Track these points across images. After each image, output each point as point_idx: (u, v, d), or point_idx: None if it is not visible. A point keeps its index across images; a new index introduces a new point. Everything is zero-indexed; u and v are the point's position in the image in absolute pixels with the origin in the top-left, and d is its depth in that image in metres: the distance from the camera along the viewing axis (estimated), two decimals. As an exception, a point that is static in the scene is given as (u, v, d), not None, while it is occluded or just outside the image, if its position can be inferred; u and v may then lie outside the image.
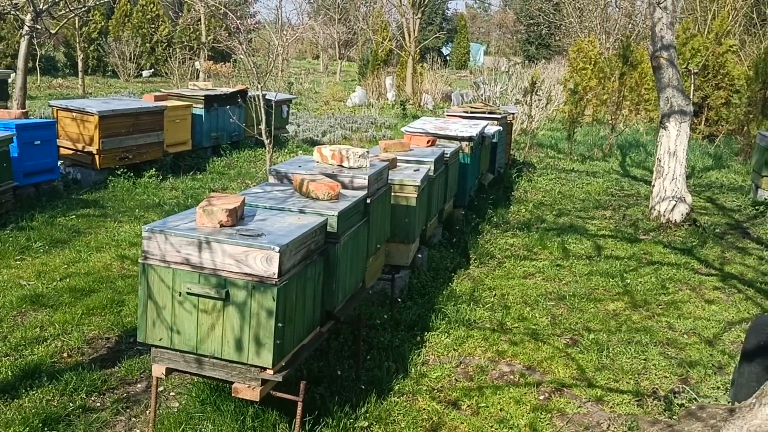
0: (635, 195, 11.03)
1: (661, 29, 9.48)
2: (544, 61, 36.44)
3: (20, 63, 10.12)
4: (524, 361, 4.99)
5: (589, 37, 23.06)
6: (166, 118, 10.26)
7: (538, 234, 8.26)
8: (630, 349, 5.28)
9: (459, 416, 4.15)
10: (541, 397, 4.49)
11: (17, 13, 10.31)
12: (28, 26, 9.77)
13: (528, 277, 6.88)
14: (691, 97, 15.08)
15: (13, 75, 14.67)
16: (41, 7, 9.86)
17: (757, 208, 10.49)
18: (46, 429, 3.72)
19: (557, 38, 38.87)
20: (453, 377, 4.67)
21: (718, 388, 4.75)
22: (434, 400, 4.32)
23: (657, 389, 4.71)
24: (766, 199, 10.58)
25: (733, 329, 5.81)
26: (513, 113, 12.88)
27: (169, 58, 23.99)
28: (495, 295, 6.28)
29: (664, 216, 9.19)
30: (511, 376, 4.76)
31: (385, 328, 5.23)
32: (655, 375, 4.92)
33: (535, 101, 15.65)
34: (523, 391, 4.52)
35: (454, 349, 5.08)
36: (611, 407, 4.42)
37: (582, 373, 4.86)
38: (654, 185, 9.53)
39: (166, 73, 23.94)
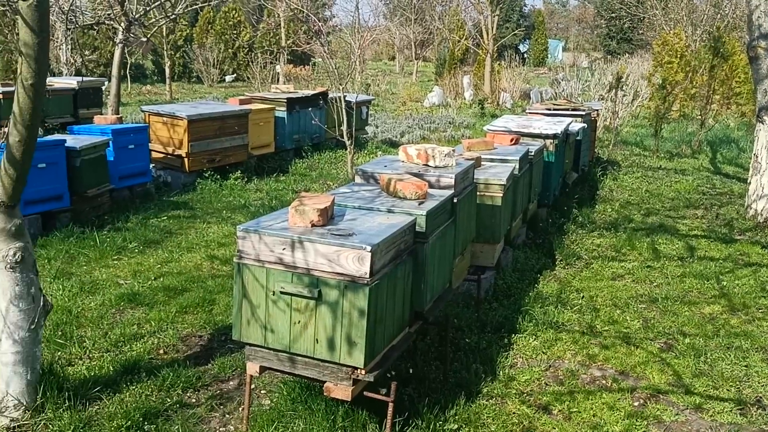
0: (728, 193, 10.56)
1: (758, 17, 9.03)
2: (626, 56, 35.40)
3: (114, 71, 10.54)
4: (616, 365, 4.84)
5: (674, 29, 22.27)
6: (251, 121, 10.49)
7: (626, 234, 8.01)
8: (729, 355, 5.04)
9: (550, 421, 4.06)
10: (636, 404, 4.34)
11: (111, 23, 10.74)
12: (122, 36, 10.16)
13: (617, 278, 6.68)
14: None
15: (107, 83, 15.31)
16: (133, 16, 10.25)
17: None
18: (146, 423, 3.85)
19: (640, 32, 37.71)
20: (543, 381, 4.58)
21: (829, 397, 4.48)
22: (524, 404, 4.24)
23: (761, 398, 4.48)
24: None
25: (842, 335, 5.47)
26: (597, 110, 12.56)
27: (250, 63, 24.57)
28: (583, 297, 6.12)
29: (762, 215, 8.77)
30: (604, 381, 4.62)
31: (471, 330, 5.17)
32: (758, 383, 4.68)
33: (619, 97, 15.20)
34: (617, 397, 4.38)
35: (543, 352, 4.98)
36: (711, 416, 4.23)
37: (678, 379, 4.67)
38: (750, 183, 9.10)
39: (248, 78, 24.51)
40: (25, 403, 3.83)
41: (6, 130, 3.61)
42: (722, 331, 5.48)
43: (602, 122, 14.89)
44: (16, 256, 3.70)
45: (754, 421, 4.17)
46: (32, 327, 3.82)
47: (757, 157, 9.02)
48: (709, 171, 12.47)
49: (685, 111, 18.12)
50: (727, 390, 4.56)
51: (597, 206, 9.46)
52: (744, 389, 4.59)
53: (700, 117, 15.53)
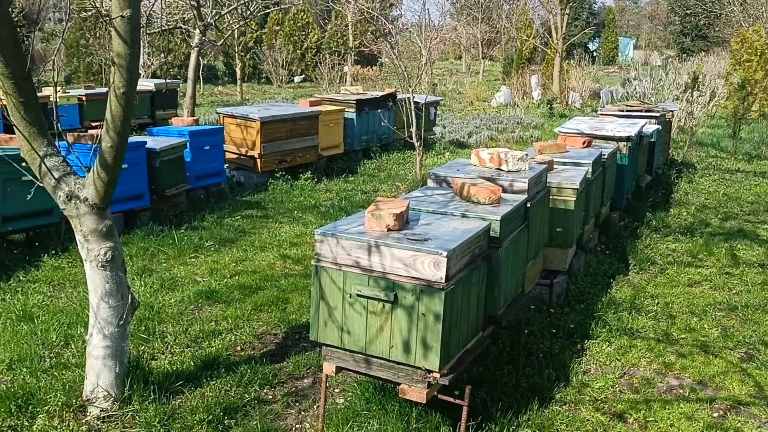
0: (812, 197, 10.13)
1: None
2: (702, 53, 34.29)
3: (190, 73, 10.88)
4: (694, 374, 4.73)
5: (753, 25, 21.48)
6: (321, 123, 10.66)
7: (702, 239, 7.80)
8: (814, 367, 4.87)
9: (626, 430, 4.02)
10: (715, 415, 4.24)
11: (186, 27, 11.08)
12: (198, 40, 10.48)
13: (694, 285, 6.52)
14: None
15: (181, 84, 15.79)
16: (208, 20, 10.55)
17: None
18: (226, 417, 3.99)
19: (716, 29, 36.48)
20: (617, 388, 4.52)
21: None
22: (598, 411, 4.20)
23: None
24: None
25: None
26: (672, 111, 12.23)
27: (318, 64, 24.90)
28: (658, 303, 6.00)
29: None
30: (681, 391, 4.53)
31: (543, 335, 5.14)
32: None
33: (695, 97, 14.77)
34: (695, 407, 4.29)
35: (617, 359, 4.91)
36: (796, 429, 4.10)
37: (760, 390, 4.54)
38: (836, 187, 8.72)
39: (316, 78, 24.85)
40: (113, 395, 4.02)
41: (97, 135, 3.80)
42: (806, 342, 5.29)
43: (677, 123, 14.49)
44: (107, 255, 3.88)
45: (841, 437, 4.03)
46: (120, 323, 4.01)
47: (844, 160, 8.64)
48: (790, 174, 11.99)
49: (765, 111, 17.47)
50: (813, 404, 4.40)
51: (672, 210, 9.23)
52: (830, 403, 4.42)
53: (781, 117, 14.95)
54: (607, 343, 5.12)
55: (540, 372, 4.55)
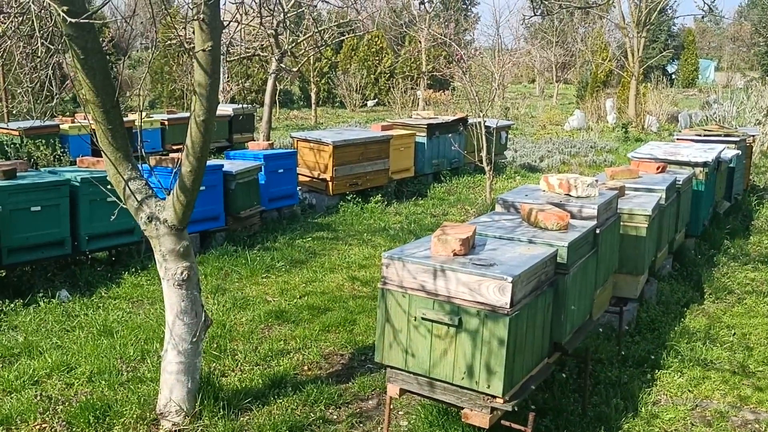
0: None
1: None
2: (788, 75, 32.95)
3: (267, 99, 11.24)
4: (772, 409, 4.56)
5: None
6: (392, 147, 10.80)
7: (785, 268, 7.50)
8: None
9: (697, 463, 3.91)
10: (794, 452, 4.08)
11: (264, 54, 11.46)
12: (275, 66, 10.83)
13: (774, 316, 6.27)
14: None
15: (258, 109, 16.28)
16: (284, 48, 10.89)
17: None
18: (292, 435, 4.08)
19: (804, 49, 35.04)
20: (688, 420, 4.40)
21: None
22: (668, 443, 4.10)
23: None
24: None
25: None
26: (753, 135, 11.83)
27: (391, 88, 25.19)
28: (734, 333, 5.80)
29: None
30: (757, 426, 4.37)
31: (612, 363, 5.06)
32: None
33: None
34: (772, 443, 4.13)
35: (689, 390, 4.78)
36: None
37: (843, 428, 4.33)
38: None
39: (389, 102, 25.15)
40: (185, 410, 4.18)
41: (178, 159, 3.99)
42: None
43: (759, 148, 13.98)
44: (183, 275, 4.06)
45: None
46: (194, 340, 4.17)
47: None
48: None
49: None
50: None
51: (751, 237, 8.91)
52: None
53: None
54: (679, 373, 4.98)
55: (607, 401, 4.47)
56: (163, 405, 4.19)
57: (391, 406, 4.31)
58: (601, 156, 15.36)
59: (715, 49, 57.90)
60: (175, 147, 13.02)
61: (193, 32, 3.58)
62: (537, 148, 16.09)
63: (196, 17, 3.49)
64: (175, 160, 7.12)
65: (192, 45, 3.64)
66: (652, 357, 5.18)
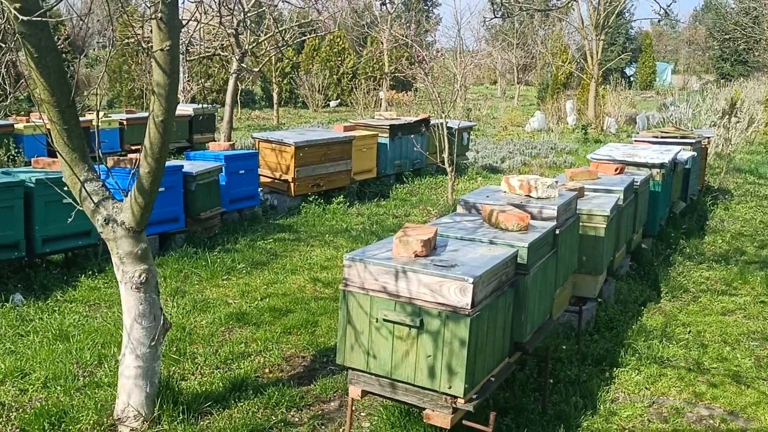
0: None
1: None
2: (741, 79, 33.84)
3: (228, 99, 11.13)
4: (725, 405, 4.67)
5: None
6: (354, 147, 10.79)
7: (737, 267, 7.69)
8: None
9: (654, 460, 3.98)
10: (746, 446, 4.18)
11: (224, 54, 11.35)
12: (236, 66, 10.73)
13: (727, 313, 6.42)
14: None
15: (219, 109, 16.12)
16: (245, 47, 10.79)
17: None
18: (253, 439, 4.05)
19: (756, 53, 36.02)
20: (645, 417, 4.47)
21: None
22: (626, 440, 4.17)
23: None
24: None
25: None
26: (708, 137, 12.11)
27: (354, 89, 25.18)
28: (690, 331, 5.93)
29: None
30: (711, 421, 4.47)
31: (571, 362, 5.12)
32: None
33: (733, 123, 14.59)
34: (726, 438, 4.23)
35: (646, 388, 4.87)
36: (830, 464, 4.01)
37: (794, 423, 4.46)
38: None
39: (352, 103, 25.14)
40: (143, 415, 4.11)
41: (136, 159, 3.92)
42: (844, 374, 5.18)
43: (714, 149, 14.32)
44: (141, 278, 4.00)
45: None
46: (152, 343, 4.11)
47: None
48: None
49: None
50: None
51: (706, 237, 9.12)
52: None
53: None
54: (637, 371, 5.07)
55: (567, 399, 4.53)
56: (120, 410, 4.12)
57: (353, 408, 4.30)
58: (561, 157, 15.57)
59: (671, 52, 59.15)
60: (133, 147, 12.80)
61: (152, 31, 3.52)
62: (498, 149, 16.24)
63: (153, 16, 3.44)
64: (133, 161, 6.99)
65: (150, 44, 3.58)
66: (611, 355, 5.26)
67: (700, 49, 52.76)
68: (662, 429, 4.32)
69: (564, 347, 5.32)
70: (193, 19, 6.07)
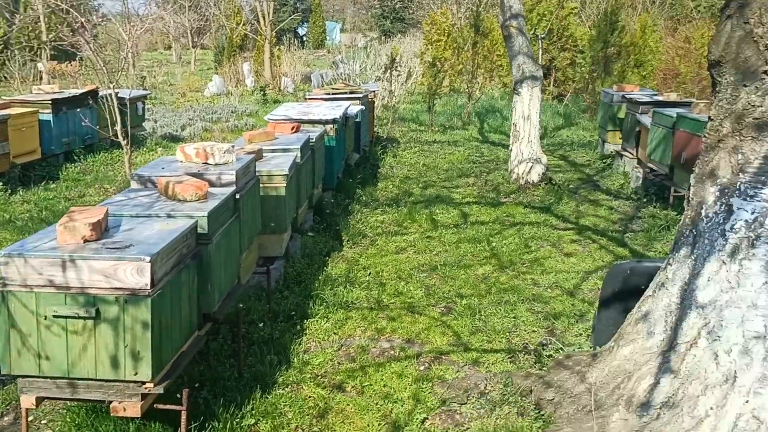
0: (495, 160, 11.55)
1: None
2: (399, 35, 36.97)
3: None
4: (403, 335, 5.19)
5: (441, 8, 23.66)
6: (11, 127, 9.62)
7: (406, 208, 8.51)
8: (500, 310, 5.61)
9: (345, 398, 4.28)
10: (422, 368, 4.70)
11: None
12: None
13: (400, 252, 7.10)
14: (540, 61, 15.91)
15: None
16: None
17: (604, 161, 11.30)
18: None
19: (411, 11, 39.55)
20: (336, 361, 4.79)
21: (581, 335, 5.16)
22: (319, 386, 4.42)
23: (527, 344, 5.04)
24: (611, 152, 11.40)
25: (590, 278, 6.30)
26: (374, 90, 13.08)
27: (7, 61, 22.37)
28: (370, 273, 6.44)
29: (523, 178, 9.73)
30: (392, 352, 4.94)
31: (264, 322, 5.26)
32: (525, 331, 5.27)
33: (394, 76, 15.93)
34: (405, 365, 4.71)
35: (335, 333, 5.20)
36: (487, 367, 4.70)
37: (458, 339, 5.12)
38: (511, 149, 10.04)
39: (6, 77, 22.34)
40: None
41: None
42: (494, 288, 6.07)
43: (380, 102, 15.53)
44: None
45: (522, 366, 4.70)
46: None
47: (515, 125, 9.97)
48: (478, 141, 13.55)
49: (455, 86, 19.43)
50: (499, 342, 5.08)
51: (379, 184, 9.92)
52: (513, 339, 5.14)
53: (467, 90, 16.74)
54: (326, 319, 5.39)
55: (262, 359, 4.65)
56: None
57: (32, 417, 3.95)
58: (242, 120, 15.64)
59: (339, 12, 62.34)
60: None
61: None
62: (178, 117, 15.77)
63: None
64: None
65: None
66: (301, 308, 5.51)
67: (364, 8, 56.41)
68: (351, 368, 4.66)
69: (256, 309, 5.43)
70: None
